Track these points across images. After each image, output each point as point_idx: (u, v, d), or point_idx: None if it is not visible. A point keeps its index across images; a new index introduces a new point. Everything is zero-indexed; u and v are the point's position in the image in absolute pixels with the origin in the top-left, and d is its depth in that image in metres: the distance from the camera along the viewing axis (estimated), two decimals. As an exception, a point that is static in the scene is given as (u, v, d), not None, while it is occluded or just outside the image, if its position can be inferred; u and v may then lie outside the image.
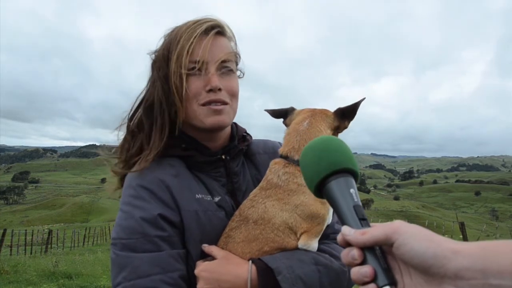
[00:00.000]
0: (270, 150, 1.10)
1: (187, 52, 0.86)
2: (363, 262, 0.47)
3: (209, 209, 0.89)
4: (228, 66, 0.92)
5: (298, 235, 0.88)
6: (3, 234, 12.97)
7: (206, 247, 0.86)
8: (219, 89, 0.89)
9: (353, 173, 0.55)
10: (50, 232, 18.57)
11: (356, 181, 0.55)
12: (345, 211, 0.51)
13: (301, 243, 0.87)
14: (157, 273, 0.77)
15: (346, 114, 0.98)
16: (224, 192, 0.96)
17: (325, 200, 0.89)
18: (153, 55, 0.95)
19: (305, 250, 0.87)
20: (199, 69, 0.89)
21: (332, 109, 1.02)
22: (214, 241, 0.88)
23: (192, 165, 0.95)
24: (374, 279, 0.45)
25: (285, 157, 0.94)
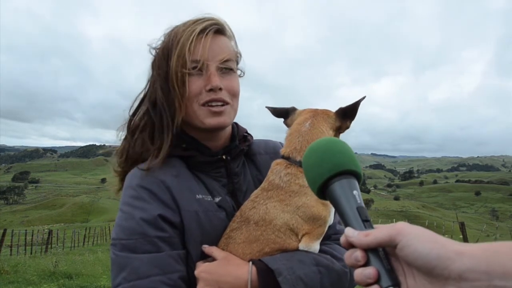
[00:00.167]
0: (271, 151, 1.09)
1: (187, 51, 0.85)
2: (366, 264, 0.47)
3: (209, 209, 0.88)
4: (228, 65, 0.92)
5: (299, 237, 0.87)
6: (3, 234, 12.97)
7: (207, 248, 0.85)
8: (220, 89, 0.88)
9: (356, 175, 0.54)
10: (50, 232, 18.59)
11: (359, 182, 0.54)
12: (348, 212, 0.51)
13: (302, 245, 0.87)
14: (157, 274, 0.77)
15: (347, 114, 0.98)
16: (225, 192, 0.95)
17: (327, 202, 0.89)
18: (153, 51, 0.94)
19: (306, 252, 0.87)
20: (200, 69, 0.88)
21: (333, 109, 1.01)
22: (215, 242, 0.88)
23: (193, 165, 0.95)
24: (377, 281, 0.45)
25: (287, 158, 0.94)
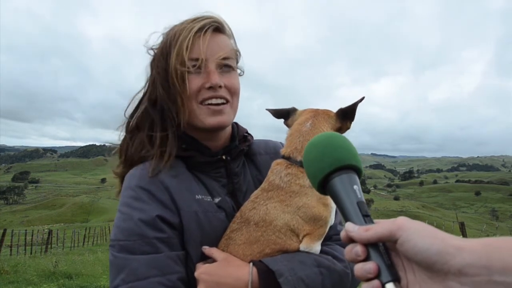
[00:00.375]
0: (271, 151, 1.09)
1: (186, 49, 0.85)
2: (366, 259, 0.47)
3: (209, 210, 0.88)
4: (228, 63, 0.91)
5: (300, 238, 0.86)
6: (3, 234, 12.96)
7: (207, 249, 0.85)
8: (220, 86, 0.88)
9: (356, 170, 0.54)
10: (50, 232, 18.57)
11: (359, 177, 0.54)
12: (348, 207, 0.51)
13: (303, 246, 0.86)
14: (155, 276, 0.76)
15: (347, 114, 0.98)
16: (225, 193, 0.94)
17: (328, 202, 0.89)
18: (151, 51, 0.94)
19: (307, 253, 0.86)
20: (199, 67, 0.87)
21: (333, 109, 1.01)
22: (215, 243, 0.87)
23: (193, 166, 0.94)
24: (377, 276, 0.45)
25: (288, 158, 0.93)
